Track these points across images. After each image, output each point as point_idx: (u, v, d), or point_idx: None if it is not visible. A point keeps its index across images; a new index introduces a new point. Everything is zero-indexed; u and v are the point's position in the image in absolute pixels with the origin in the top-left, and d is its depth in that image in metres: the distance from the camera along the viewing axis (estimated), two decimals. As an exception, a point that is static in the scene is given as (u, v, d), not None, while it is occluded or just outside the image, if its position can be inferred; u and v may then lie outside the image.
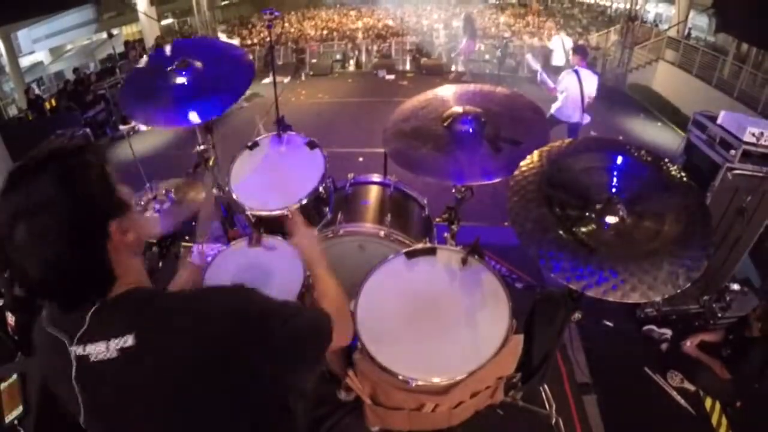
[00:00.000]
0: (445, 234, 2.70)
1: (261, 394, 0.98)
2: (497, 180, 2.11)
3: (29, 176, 0.83)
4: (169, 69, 2.61)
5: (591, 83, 5.39)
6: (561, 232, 1.62)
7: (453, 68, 10.96)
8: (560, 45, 9.24)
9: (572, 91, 5.40)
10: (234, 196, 2.56)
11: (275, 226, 2.53)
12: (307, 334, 1.10)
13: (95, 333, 0.90)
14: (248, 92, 9.82)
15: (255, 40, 14.52)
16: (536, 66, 5.49)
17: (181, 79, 2.59)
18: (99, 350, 0.89)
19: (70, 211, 0.83)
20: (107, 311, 0.91)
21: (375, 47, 12.97)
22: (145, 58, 2.90)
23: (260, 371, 0.96)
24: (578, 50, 5.51)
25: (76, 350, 0.90)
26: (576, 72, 5.35)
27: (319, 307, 1.24)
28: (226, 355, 0.92)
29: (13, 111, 12.30)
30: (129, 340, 0.88)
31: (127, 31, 18.42)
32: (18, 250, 0.82)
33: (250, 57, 2.89)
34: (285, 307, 1.08)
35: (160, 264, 3.57)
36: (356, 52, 12.65)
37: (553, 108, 5.68)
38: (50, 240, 0.82)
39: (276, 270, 2.19)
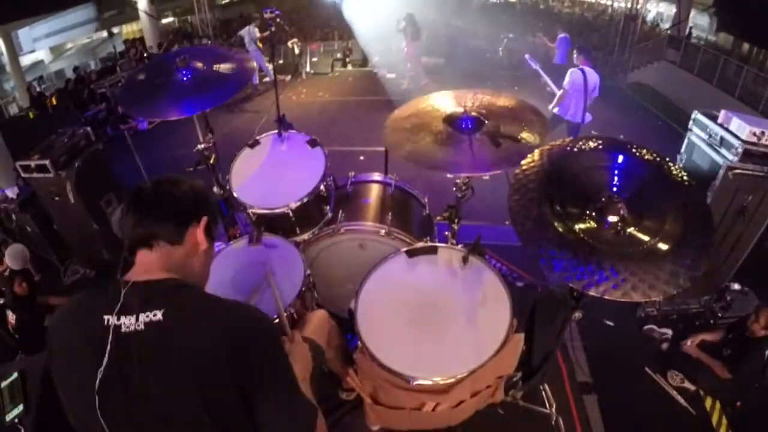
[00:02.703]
0: (446, 233, 2.70)
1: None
2: (497, 172, 2.10)
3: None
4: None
5: (593, 82, 5.39)
6: (561, 231, 1.62)
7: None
8: (564, 44, 9.21)
9: (577, 90, 5.39)
10: (235, 195, 2.56)
11: (276, 224, 2.53)
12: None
13: (128, 307, 1.03)
14: (249, 90, 9.87)
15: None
16: (535, 66, 5.48)
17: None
18: (129, 322, 1.02)
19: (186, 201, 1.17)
20: (141, 290, 1.05)
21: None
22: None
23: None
24: (583, 50, 5.50)
25: (113, 320, 1.02)
26: (582, 71, 5.35)
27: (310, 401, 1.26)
28: (239, 359, 1.03)
29: (13, 109, 12.31)
30: (158, 315, 1.02)
31: (128, 30, 18.42)
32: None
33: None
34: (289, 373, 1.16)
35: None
36: (351, 53, 12.58)
37: (556, 107, 5.66)
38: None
39: (276, 268, 2.19)
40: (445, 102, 2.46)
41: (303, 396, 1.18)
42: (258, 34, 9.69)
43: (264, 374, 1.06)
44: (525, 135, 2.25)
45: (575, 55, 5.53)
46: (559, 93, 5.51)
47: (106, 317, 1.02)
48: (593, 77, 5.37)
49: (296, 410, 1.14)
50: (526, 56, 5.55)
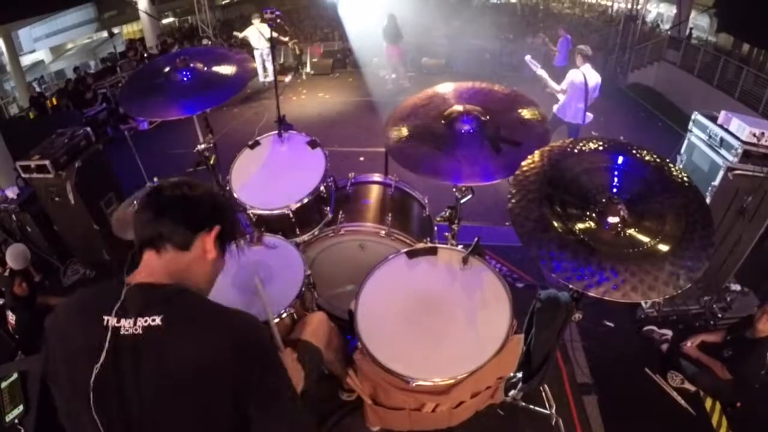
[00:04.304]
0: (446, 233, 2.70)
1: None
2: (497, 181, 2.10)
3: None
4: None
5: (594, 83, 5.38)
6: (562, 231, 1.62)
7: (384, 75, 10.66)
8: (566, 46, 9.21)
9: (577, 90, 5.39)
10: (235, 195, 2.56)
11: (276, 224, 2.53)
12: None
13: (128, 308, 1.02)
14: (248, 91, 9.84)
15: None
16: (536, 68, 5.44)
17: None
18: (128, 325, 1.01)
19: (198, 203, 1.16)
20: (142, 292, 1.05)
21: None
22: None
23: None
24: (583, 51, 5.50)
25: (113, 321, 1.00)
26: (582, 72, 5.35)
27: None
28: (237, 372, 1.03)
29: (14, 110, 12.32)
30: (156, 320, 1.01)
31: (128, 30, 18.44)
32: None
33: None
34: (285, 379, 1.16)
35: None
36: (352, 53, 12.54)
37: (556, 108, 5.66)
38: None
39: (277, 269, 2.19)
40: (444, 96, 2.46)
41: (300, 407, 1.18)
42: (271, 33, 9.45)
43: (264, 386, 1.06)
44: (526, 114, 2.30)
45: (577, 57, 5.52)
46: (559, 93, 5.51)
47: (105, 317, 1.02)
48: (594, 78, 5.37)
49: (294, 421, 1.14)
50: (526, 58, 5.51)
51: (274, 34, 3.12)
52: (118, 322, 1.01)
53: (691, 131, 3.51)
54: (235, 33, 11.03)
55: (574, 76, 5.39)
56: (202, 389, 1.01)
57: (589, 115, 5.54)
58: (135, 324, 1.00)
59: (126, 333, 1.00)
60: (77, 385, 1.01)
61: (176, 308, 1.04)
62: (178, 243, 1.11)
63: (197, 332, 1.03)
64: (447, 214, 2.62)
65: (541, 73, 5.42)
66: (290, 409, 1.13)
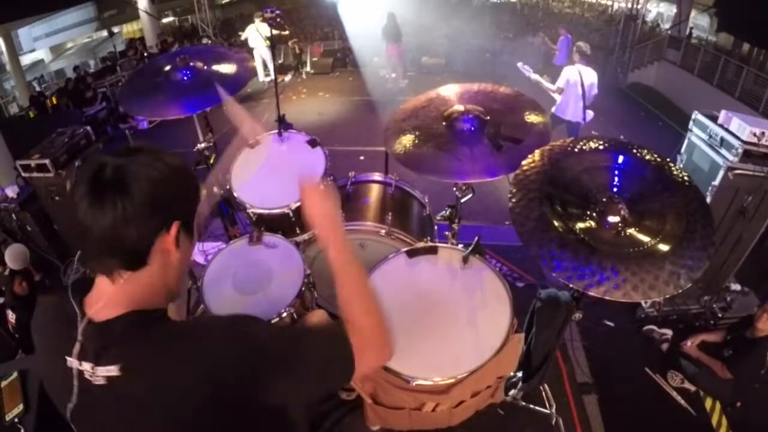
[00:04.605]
0: (447, 233, 2.70)
1: (258, 427, 0.96)
2: (499, 177, 2.10)
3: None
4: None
5: (590, 80, 5.38)
6: (562, 231, 1.62)
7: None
8: (566, 45, 9.20)
9: (574, 88, 5.38)
10: (235, 195, 2.56)
11: (276, 224, 2.53)
12: (317, 368, 0.99)
13: (86, 351, 0.89)
14: (248, 90, 9.80)
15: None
16: (529, 74, 5.38)
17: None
18: (90, 370, 0.88)
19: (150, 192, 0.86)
20: (97, 333, 0.90)
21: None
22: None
23: (259, 407, 0.93)
24: (582, 49, 5.50)
25: (75, 364, 0.90)
26: (577, 69, 5.34)
27: (337, 326, 1.05)
28: (221, 392, 0.89)
29: (14, 109, 12.32)
30: (115, 369, 0.86)
31: (128, 29, 18.44)
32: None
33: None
34: (289, 339, 1.01)
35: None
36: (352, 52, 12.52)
37: (554, 108, 5.66)
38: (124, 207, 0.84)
39: (276, 268, 2.19)
40: (445, 98, 2.45)
41: (313, 345, 1.01)
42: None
43: (282, 374, 0.93)
44: (531, 117, 2.31)
45: (574, 54, 5.52)
46: (555, 93, 5.51)
47: (67, 358, 0.90)
48: (589, 76, 5.36)
49: (316, 375, 0.99)
50: (519, 64, 5.46)
51: (275, 31, 3.12)
52: (81, 364, 0.89)
53: (691, 131, 3.50)
54: (239, 33, 11.04)
55: (569, 74, 5.38)
56: (195, 416, 0.89)
57: (591, 113, 5.54)
58: (95, 371, 0.88)
59: (89, 378, 0.88)
60: (60, 406, 0.96)
61: (133, 350, 0.89)
62: (130, 264, 0.91)
63: (168, 366, 0.88)
64: (447, 213, 2.62)
65: (535, 77, 5.42)
66: (307, 370, 0.97)
